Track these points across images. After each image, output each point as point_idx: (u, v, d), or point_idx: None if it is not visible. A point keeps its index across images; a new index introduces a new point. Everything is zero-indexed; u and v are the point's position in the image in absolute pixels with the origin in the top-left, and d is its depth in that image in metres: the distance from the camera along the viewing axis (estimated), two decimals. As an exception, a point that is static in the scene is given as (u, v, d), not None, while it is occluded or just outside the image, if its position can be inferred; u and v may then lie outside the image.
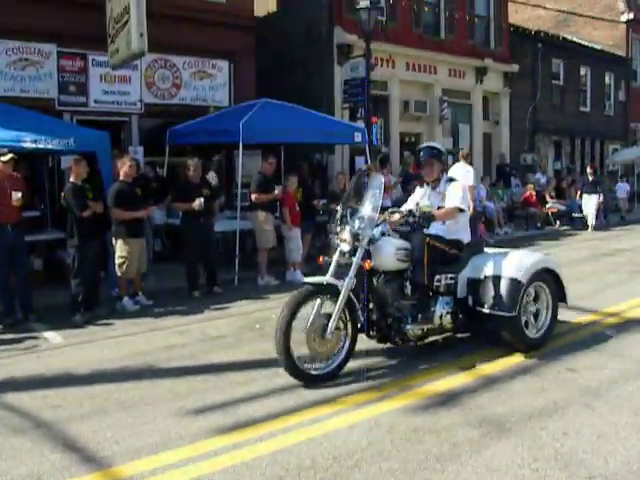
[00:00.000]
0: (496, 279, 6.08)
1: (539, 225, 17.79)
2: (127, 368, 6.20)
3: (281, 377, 5.56)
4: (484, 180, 17.76)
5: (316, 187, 12.67)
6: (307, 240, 11.14)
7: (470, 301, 6.17)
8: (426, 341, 6.19)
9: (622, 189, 21.95)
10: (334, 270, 5.64)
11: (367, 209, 5.76)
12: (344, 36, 15.98)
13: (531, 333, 6.31)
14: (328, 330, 5.38)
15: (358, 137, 12.27)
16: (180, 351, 6.78)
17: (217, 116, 12.61)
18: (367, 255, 5.64)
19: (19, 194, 7.92)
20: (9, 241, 7.98)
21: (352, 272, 5.47)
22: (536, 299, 6.43)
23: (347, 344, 5.61)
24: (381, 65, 16.66)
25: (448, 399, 5.05)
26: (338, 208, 6.03)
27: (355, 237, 5.59)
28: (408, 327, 5.80)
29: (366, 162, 12.73)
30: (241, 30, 14.16)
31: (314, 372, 5.47)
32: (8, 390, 5.62)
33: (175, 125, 12.40)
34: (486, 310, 6.05)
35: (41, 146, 8.69)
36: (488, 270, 6.13)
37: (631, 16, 27.56)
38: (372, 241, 5.69)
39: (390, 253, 5.79)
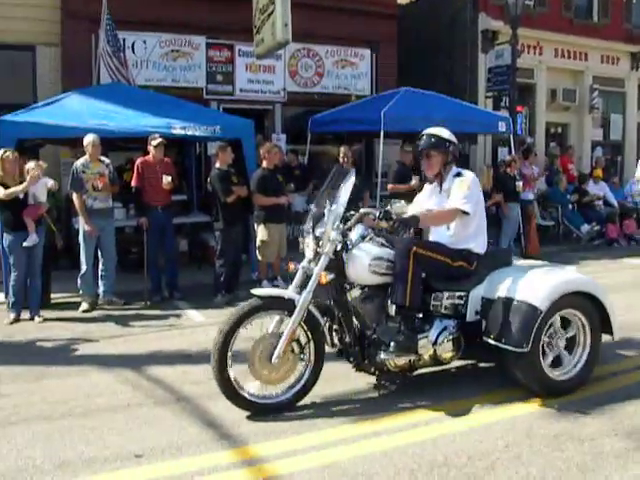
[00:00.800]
0: (507, 302, 4.79)
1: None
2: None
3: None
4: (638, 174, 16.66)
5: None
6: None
7: (483, 326, 4.94)
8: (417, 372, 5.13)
9: None
10: (299, 281, 4.72)
11: (333, 209, 4.72)
12: (489, 22, 15.50)
13: (555, 374, 4.95)
14: (275, 353, 4.49)
15: (502, 127, 11.86)
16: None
17: (358, 104, 12.63)
18: (340, 264, 4.71)
19: (169, 178, 8.32)
20: (159, 222, 8.42)
21: (310, 285, 4.54)
22: (566, 329, 5.04)
23: (307, 371, 4.69)
24: (527, 52, 15.96)
25: (591, 407, 4.73)
26: (312, 207, 5.10)
27: (317, 242, 4.69)
28: (382, 356, 4.69)
29: (510, 152, 12.29)
30: (384, 18, 14.07)
31: (260, 401, 4.61)
32: (152, 363, 5.92)
33: (317, 113, 12.55)
34: (491, 341, 4.81)
35: (189, 133, 9.08)
36: (502, 290, 4.87)
37: None
38: (346, 247, 4.71)
39: (363, 264, 4.68)
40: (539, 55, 16.66)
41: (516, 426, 4.41)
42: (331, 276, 4.62)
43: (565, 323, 5.01)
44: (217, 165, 8.61)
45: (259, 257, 8.91)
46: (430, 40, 16.44)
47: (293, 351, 4.59)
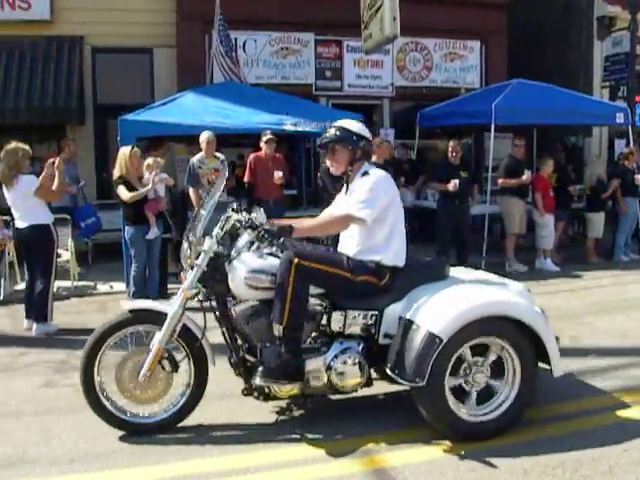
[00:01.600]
0: (407, 326, 4.06)
1: None
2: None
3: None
4: None
5: (570, 172, 11.93)
6: (560, 227, 10.57)
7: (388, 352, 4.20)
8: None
9: None
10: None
11: (204, 213, 4.28)
12: (605, 8, 14.81)
13: (470, 413, 4.12)
14: (142, 370, 4.09)
15: (620, 118, 11.31)
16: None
17: (468, 98, 12.43)
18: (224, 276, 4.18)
19: (280, 173, 8.51)
20: (270, 216, 8.59)
21: (177, 299, 4.13)
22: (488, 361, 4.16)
23: (187, 390, 4.25)
24: (648, 38, 15.20)
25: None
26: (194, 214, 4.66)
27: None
28: (257, 381, 4.05)
29: (627, 145, 11.73)
30: (493, 9, 13.72)
31: (133, 420, 4.23)
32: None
33: (426, 107, 12.45)
34: (388, 371, 4.11)
35: (300, 129, 9.24)
36: (410, 311, 4.10)
37: None
38: (230, 257, 4.20)
39: (239, 277, 4.08)
40: (661, 41, 15.80)
41: (636, 429, 4.22)
42: (193, 291, 4.13)
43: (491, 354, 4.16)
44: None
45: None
46: (541, 29, 15.88)
47: (164, 368, 4.14)
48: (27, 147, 6.96)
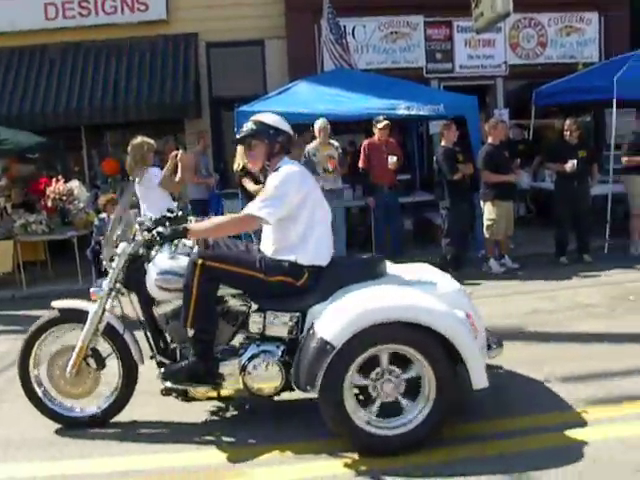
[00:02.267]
0: (309, 331, 3.87)
1: None
2: (492, 328, 6.26)
3: None
4: None
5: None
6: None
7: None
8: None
9: None
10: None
11: (117, 217, 4.33)
12: None
13: (369, 424, 3.80)
14: (68, 367, 4.21)
15: None
16: (546, 317, 6.64)
17: (586, 73, 11.87)
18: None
19: (394, 158, 8.52)
20: (385, 201, 8.65)
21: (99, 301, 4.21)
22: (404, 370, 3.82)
23: (116, 386, 4.35)
24: None
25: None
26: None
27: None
28: (162, 382, 4.09)
29: None
30: (612, -23, 13.10)
31: (66, 414, 4.42)
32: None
33: (541, 85, 12.04)
34: (291, 378, 3.95)
35: (413, 112, 9.19)
36: (321, 314, 3.88)
37: None
38: (150, 259, 4.19)
39: (151, 278, 4.08)
40: None
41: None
42: (101, 293, 4.17)
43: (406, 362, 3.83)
44: (442, 143, 8.64)
45: (486, 235, 8.81)
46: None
47: (90, 365, 4.27)
48: (152, 141, 7.33)
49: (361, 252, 9.15)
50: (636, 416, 4.13)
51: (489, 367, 4.04)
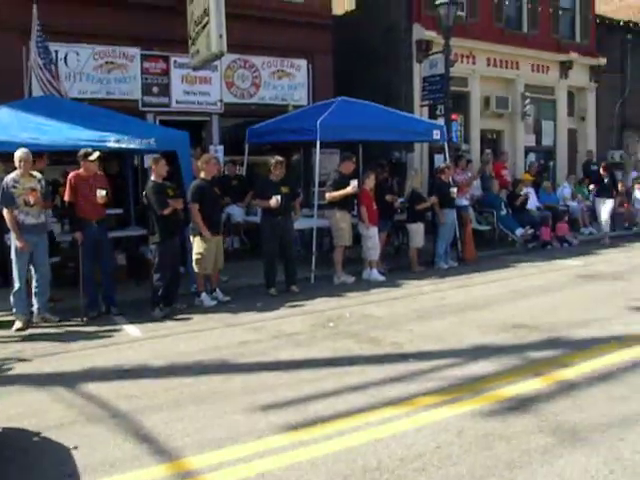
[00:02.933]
0: None
1: (627, 225, 17.02)
2: (202, 362, 6.31)
3: (351, 376, 5.58)
4: (569, 178, 17.24)
5: (395, 186, 12.55)
6: (382, 238, 11.05)
7: None
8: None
9: None
10: None
11: None
12: (423, 32, 15.81)
13: None
14: None
15: (437, 135, 12.08)
16: (254, 347, 6.86)
17: (295, 115, 12.70)
18: None
19: (103, 192, 8.22)
20: (94, 236, 8.30)
21: None
22: None
23: None
24: (461, 61, 16.36)
25: (520, 404, 4.90)
26: None
27: None
28: None
29: (445, 160, 12.54)
30: (319, 29, 14.25)
31: None
32: (88, 380, 5.83)
33: (255, 124, 12.57)
34: None
35: (124, 146, 8.96)
36: None
37: None
38: None
39: None
40: (472, 64, 17.05)
41: (447, 427, 4.51)
42: None
43: None
44: (152, 178, 8.54)
45: (196, 269, 8.87)
46: (367, 50, 16.66)
47: None
48: None
49: (72, 288, 8.74)
50: (324, 437, 4.40)
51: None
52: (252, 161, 12.88)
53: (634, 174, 19.34)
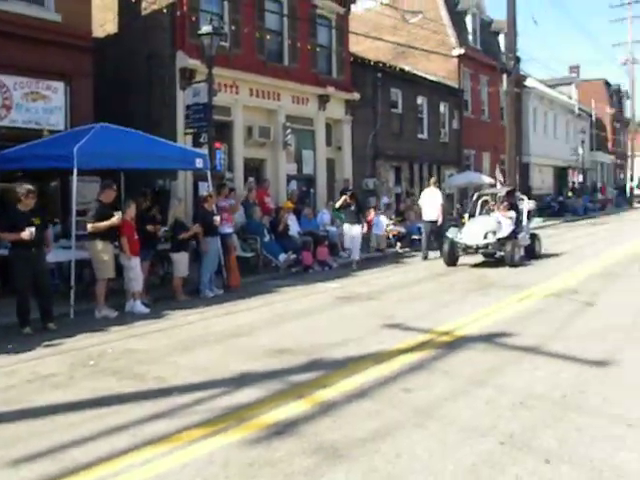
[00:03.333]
0: None
1: (380, 247, 18.38)
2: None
3: (112, 416, 5.33)
4: (328, 205, 18.23)
5: (158, 214, 12.29)
6: (145, 268, 10.78)
7: None
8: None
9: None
10: None
11: None
12: (186, 60, 15.85)
13: None
14: None
15: (200, 163, 12.10)
16: (4, 395, 6.27)
17: (51, 140, 11.96)
18: None
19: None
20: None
21: None
22: None
23: None
24: (225, 91, 16.66)
25: (285, 429, 5.02)
26: None
27: None
28: None
29: (208, 188, 12.61)
30: (77, 50, 13.61)
31: None
32: None
33: (5, 149, 11.62)
34: None
35: None
36: None
37: (462, 51, 29.59)
38: None
39: None
40: (236, 94, 17.44)
41: (213, 460, 4.48)
42: None
43: None
44: None
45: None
46: (130, 75, 16.32)
47: None
48: None
49: None
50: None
51: None
52: (5, 188, 11.88)
53: (385, 200, 21.07)
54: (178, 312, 10.09)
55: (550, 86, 43.29)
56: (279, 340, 8.06)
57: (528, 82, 37.21)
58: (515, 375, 6.42)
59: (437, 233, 17.09)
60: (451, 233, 15.31)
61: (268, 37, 18.69)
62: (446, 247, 15.26)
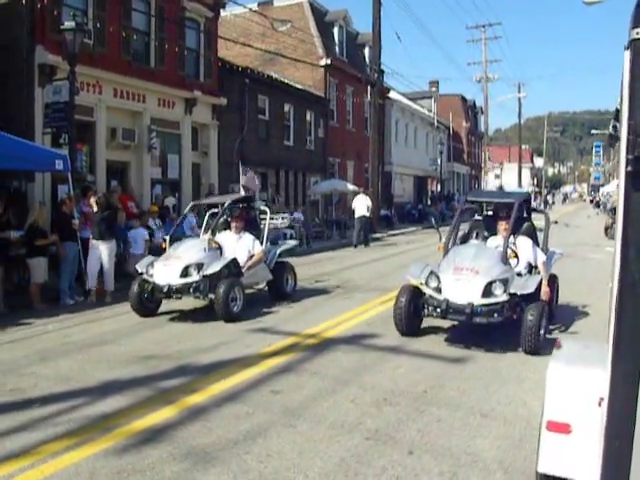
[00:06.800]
0: None
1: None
2: None
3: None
4: (193, 209, 18.00)
5: (12, 217, 11.59)
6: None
7: None
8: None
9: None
10: None
11: None
12: (47, 56, 15.07)
13: None
14: None
15: (59, 164, 11.56)
16: None
17: None
18: None
19: None
20: None
21: None
22: None
23: None
24: (87, 90, 16.03)
25: (154, 435, 4.94)
26: None
27: None
28: None
29: (69, 191, 12.08)
30: None
31: None
32: None
33: None
34: None
35: None
36: None
37: (328, 61, 30.23)
38: None
39: None
40: (99, 94, 16.80)
41: (78, 471, 4.33)
42: None
43: None
44: None
45: None
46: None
47: None
48: None
49: None
50: None
51: None
52: None
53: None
54: (36, 321, 9.54)
55: (411, 99, 45.11)
56: (145, 347, 7.90)
57: (391, 94, 38.57)
58: (379, 374, 6.67)
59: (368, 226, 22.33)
60: (142, 265, 10.20)
61: (134, 37, 18.20)
62: (135, 288, 9.78)
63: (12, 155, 10.76)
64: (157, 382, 6.37)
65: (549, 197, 74.87)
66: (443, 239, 8.96)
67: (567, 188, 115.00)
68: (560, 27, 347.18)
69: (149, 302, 9.90)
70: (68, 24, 12.72)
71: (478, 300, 7.55)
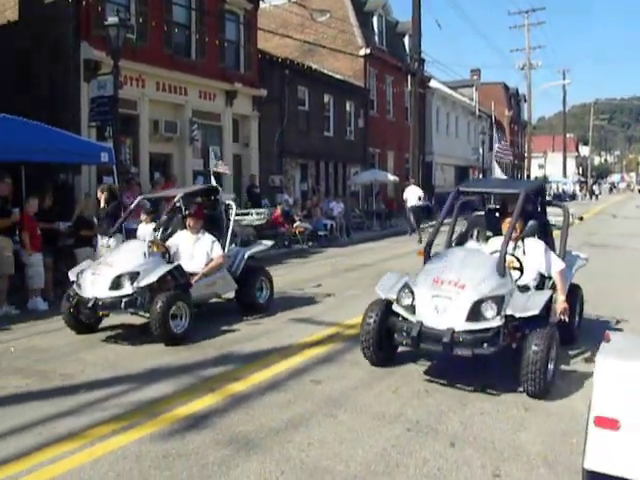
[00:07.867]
0: None
1: (287, 243, 18.51)
2: None
3: (19, 416, 5.19)
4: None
5: (59, 209, 11.88)
6: (49, 265, 10.42)
7: None
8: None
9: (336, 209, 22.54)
10: None
11: None
12: (91, 52, 15.38)
13: None
14: None
15: (105, 157, 11.81)
16: None
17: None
18: None
19: None
20: None
21: None
22: None
23: None
24: (130, 84, 16.32)
25: (198, 421, 5.05)
26: None
27: None
28: None
29: (114, 183, 12.32)
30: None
31: None
32: None
33: None
34: None
35: None
36: None
37: (368, 51, 30.12)
38: None
39: None
40: (142, 88, 17.08)
41: (125, 455, 4.45)
42: None
43: None
44: None
45: None
46: (31, 66, 15.70)
47: None
48: None
49: None
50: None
51: None
52: None
53: (285, 197, 21.13)
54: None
55: (452, 88, 44.69)
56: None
57: (432, 83, 38.30)
58: (421, 364, 6.65)
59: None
60: (74, 272, 8.55)
61: (176, 30, 18.44)
62: (64, 302, 8.15)
63: (60, 149, 11.04)
64: (200, 370, 6.48)
65: (595, 187, 73.57)
66: (425, 241, 7.42)
67: (614, 177, 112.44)
68: (606, 11, 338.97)
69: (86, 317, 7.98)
70: (111, 20, 12.95)
71: (461, 325, 5.65)
